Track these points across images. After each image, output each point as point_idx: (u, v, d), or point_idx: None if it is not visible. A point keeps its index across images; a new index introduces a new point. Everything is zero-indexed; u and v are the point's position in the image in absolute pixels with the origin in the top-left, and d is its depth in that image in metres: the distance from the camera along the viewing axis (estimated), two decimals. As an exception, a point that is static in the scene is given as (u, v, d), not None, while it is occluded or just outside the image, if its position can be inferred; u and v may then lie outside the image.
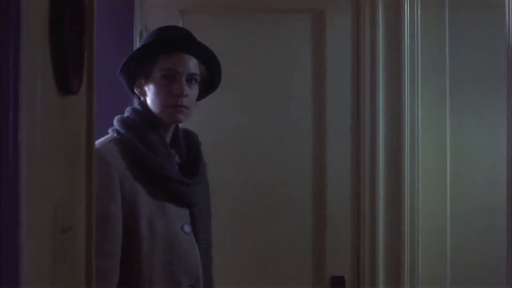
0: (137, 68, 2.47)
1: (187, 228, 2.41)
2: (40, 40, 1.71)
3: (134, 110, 2.47)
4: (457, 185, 3.51)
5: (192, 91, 2.43)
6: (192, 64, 2.43)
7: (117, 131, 2.44)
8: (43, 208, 1.73)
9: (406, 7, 3.48)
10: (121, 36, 3.43)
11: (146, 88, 2.46)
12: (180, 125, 2.57)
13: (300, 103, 3.47)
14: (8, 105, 1.56)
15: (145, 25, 3.45)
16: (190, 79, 2.43)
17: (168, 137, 2.48)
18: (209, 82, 2.53)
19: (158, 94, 2.42)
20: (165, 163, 2.39)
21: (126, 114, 2.48)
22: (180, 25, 3.44)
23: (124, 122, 2.44)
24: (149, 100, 2.45)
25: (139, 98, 2.50)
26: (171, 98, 2.40)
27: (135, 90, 2.51)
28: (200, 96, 2.55)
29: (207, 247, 2.49)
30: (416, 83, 3.47)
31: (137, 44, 3.42)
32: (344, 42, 3.49)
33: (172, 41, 2.43)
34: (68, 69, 1.85)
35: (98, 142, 2.41)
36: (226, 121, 3.37)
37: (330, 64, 3.50)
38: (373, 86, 3.47)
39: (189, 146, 2.53)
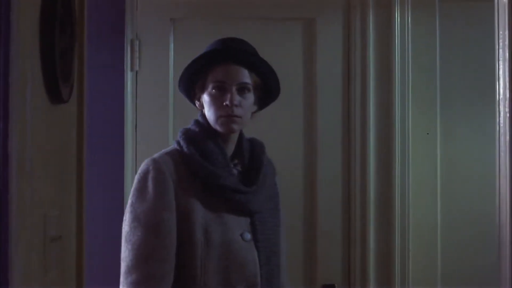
0: (192, 82, 2.54)
1: (247, 236, 2.44)
2: (30, 49, 1.72)
3: (196, 122, 2.52)
4: (447, 192, 3.50)
5: (244, 100, 2.46)
6: (243, 74, 2.46)
7: (178, 142, 2.50)
8: (33, 217, 1.74)
9: (397, 15, 3.49)
10: (112, 45, 3.42)
11: (202, 100, 2.53)
12: (246, 134, 2.61)
13: (291, 112, 3.47)
14: (-2, 114, 1.57)
15: (136, 33, 3.44)
16: (242, 88, 2.45)
17: (230, 147, 2.51)
18: (267, 91, 2.57)
19: (211, 105, 2.46)
20: (222, 172, 2.43)
21: (189, 125, 2.54)
22: (171, 33, 3.47)
23: (185, 133, 2.50)
24: (205, 112, 2.51)
25: (201, 110, 2.55)
26: (222, 108, 2.43)
27: (195, 103, 2.57)
28: (261, 106, 2.60)
29: (272, 255, 2.50)
30: (407, 91, 3.47)
31: (128, 53, 3.44)
32: (335, 50, 3.49)
33: (217, 52, 2.50)
34: (58, 78, 1.86)
35: (159, 153, 2.50)
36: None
37: (321, 72, 3.50)
38: (363, 93, 3.48)
39: (252, 155, 2.56)
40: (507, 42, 1.96)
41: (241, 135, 2.55)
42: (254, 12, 3.50)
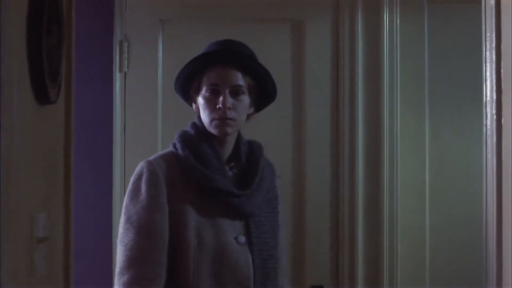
0: (187, 85, 2.53)
1: (242, 239, 2.45)
2: (17, 50, 1.71)
3: (193, 124, 2.53)
4: (435, 194, 3.51)
5: (238, 103, 2.46)
6: (236, 76, 2.47)
7: (174, 145, 2.50)
8: (20, 218, 1.73)
9: (385, 17, 3.49)
10: (101, 46, 3.42)
11: (198, 103, 2.51)
12: (246, 136, 2.63)
13: (279, 112, 3.45)
14: (-16, 115, 1.57)
15: (125, 34, 3.43)
16: (236, 91, 2.46)
17: (227, 149, 2.52)
18: (264, 93, 2.56)
19: (205, 108, 2.46)
20: (215, 175, 2.43)
21: (187, 128, 2.56)
22: (160, 34, 3.47)
23: (181, 136, 2.51)
24: (201, 114, 2.50)
25: (198, 113, 2.56)
26: (216, 111, 2.44)
27: (192, 105, 2.56)
28: (259, 108, 2.60)
29: (268, 258, 2.49)
30: (395, 92, 3.48)
31: (117, 54, 3.43)
32: (324, 51, 3.50)
33: (210, 55, 2.49)
34: (45, 79, 1.86)
35: (155, 155, 2.52)
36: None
37: (310, 73, 3.50)
38: (352, 94, 3.48)
39: (249, 157, 2.56)
40: (494, 44, 1.98)
41: (239, 137, 2.56)
42: (243, 13, 3.50)
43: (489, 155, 2.04)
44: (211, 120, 2.45)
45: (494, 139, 1.99)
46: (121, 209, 2.51)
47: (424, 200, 3.52)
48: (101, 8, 3.43)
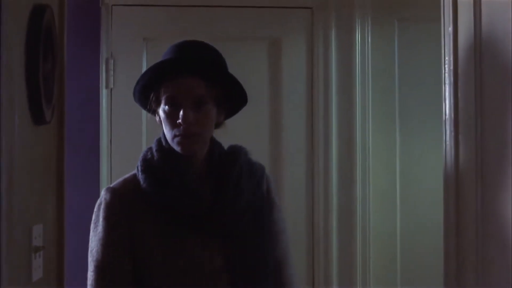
0: (146, 96, 2.18)
1: (218, 263, 2.13)
2: (17, 77, 1.80)
3: (157, 141, 2.21)
4: (406, 202, 3.59)
5: (201, 115, 2.10)
6: (195, 86, 2.09)
7: (137, 167, 2.18)
8: (20, 229, 1.81)
9: (357, 37, 3.57)
10: (88, 63, 3.45)
11: (160, 116, 2.17)
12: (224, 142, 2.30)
13: (256, 128, 3.55)
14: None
15: (110, 52, 3.50)
16: (197, 102, 2.10)
17: (196, 164, 2.17)
18: (231, 98, 2.19)
19: (165, 123, 2.13)
20: (177, 197, 2.10)
21: (152, 144, 2.22)
22: (144, 52, 3.53)
23: (143, 156, 2.19)
24: (164, 129, 2.17)
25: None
26: (177, 127, 2.10)
27: (156, 117, 2.20)
28: (231, 113, 2.25)
29: (254, 279, 2.15)
30: (367, 108, 3.56)
31: (103, 71, 3.49)
32: (299, 69, 3.58)
33: (165, 64, 2.13)
34: (42, 101, 1.93)
35: (119, 179, 2.21)
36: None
37: (285, 89, 3.58)
38: (326, 111, 3.57)
39: (226, 169, 2.20)
40: (452, 67, 2.04)
41: (213, 147, 2.23)
42: (223, 32, 3.56)
43: (448, 169, 2.14)
44: (173, 137, 2.12)
45: (453, 153, 2.09)
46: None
47: (395, 208, 3.59)
48: (87, 27, 3.47)
